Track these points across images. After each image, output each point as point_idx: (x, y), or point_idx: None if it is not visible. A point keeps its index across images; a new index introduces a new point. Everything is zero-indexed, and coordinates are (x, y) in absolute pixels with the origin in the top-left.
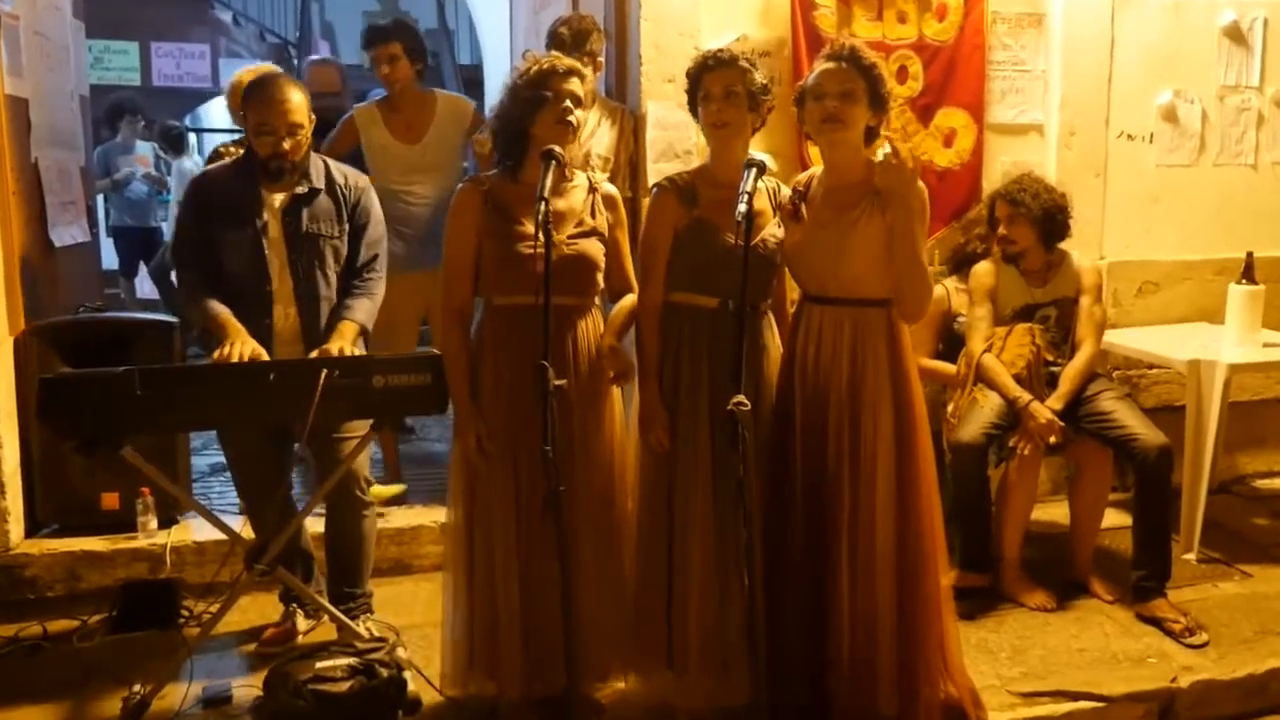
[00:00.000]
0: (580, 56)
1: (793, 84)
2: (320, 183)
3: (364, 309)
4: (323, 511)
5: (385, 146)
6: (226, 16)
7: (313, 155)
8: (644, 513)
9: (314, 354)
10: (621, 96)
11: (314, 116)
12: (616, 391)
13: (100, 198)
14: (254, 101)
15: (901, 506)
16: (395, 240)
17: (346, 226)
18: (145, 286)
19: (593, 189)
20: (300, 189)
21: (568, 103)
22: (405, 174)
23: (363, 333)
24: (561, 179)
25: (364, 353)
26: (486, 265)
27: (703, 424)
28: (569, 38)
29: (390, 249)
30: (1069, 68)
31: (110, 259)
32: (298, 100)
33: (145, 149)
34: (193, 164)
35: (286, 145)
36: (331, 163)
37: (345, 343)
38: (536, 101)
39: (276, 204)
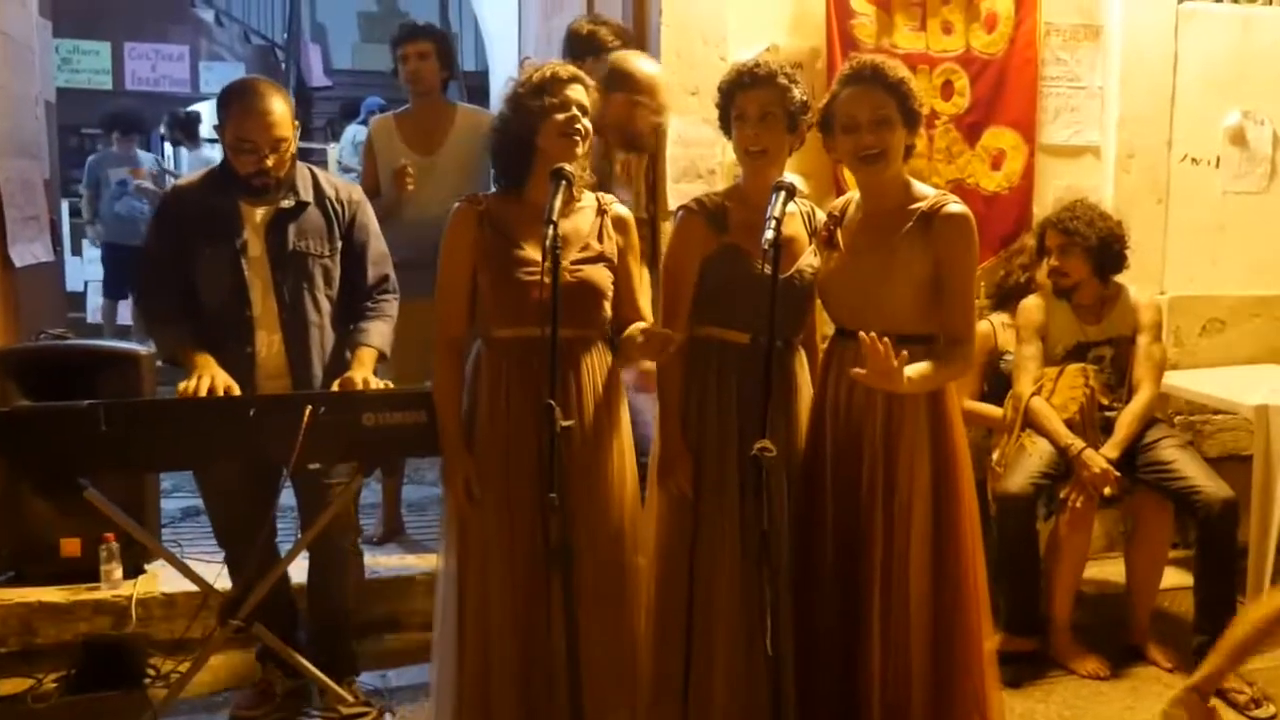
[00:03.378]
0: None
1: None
2: (308, 195)
3: (380, 333)
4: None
5: (400, 156)
6: (208, 15)
7: (300, 166)
8: (662, 566)
9: (335, 385)
10: None
11: (297, 123)
12: (626, 435)
13: (81, 213)
14: (232, 113)
15: (939, 562)
16: (403, 264)
17: (339, 244)
18: (125, 311)
19: (602, 210)
20: (286, 202)
21: (575, 111)
22: (417, 188)
23: (380, 358)
24: (569, 200)
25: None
26: (484, 293)
27: (731, 471)
28: (587, 42)
29: (399, 274)
30: (1128, 85)
31: (75, 281)
32: (281, 111)
33: (147, 159)
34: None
35: (270, 162)
36: (320, 173)
37: (368, 372)
38: (541, 111)
39: (258, 219)
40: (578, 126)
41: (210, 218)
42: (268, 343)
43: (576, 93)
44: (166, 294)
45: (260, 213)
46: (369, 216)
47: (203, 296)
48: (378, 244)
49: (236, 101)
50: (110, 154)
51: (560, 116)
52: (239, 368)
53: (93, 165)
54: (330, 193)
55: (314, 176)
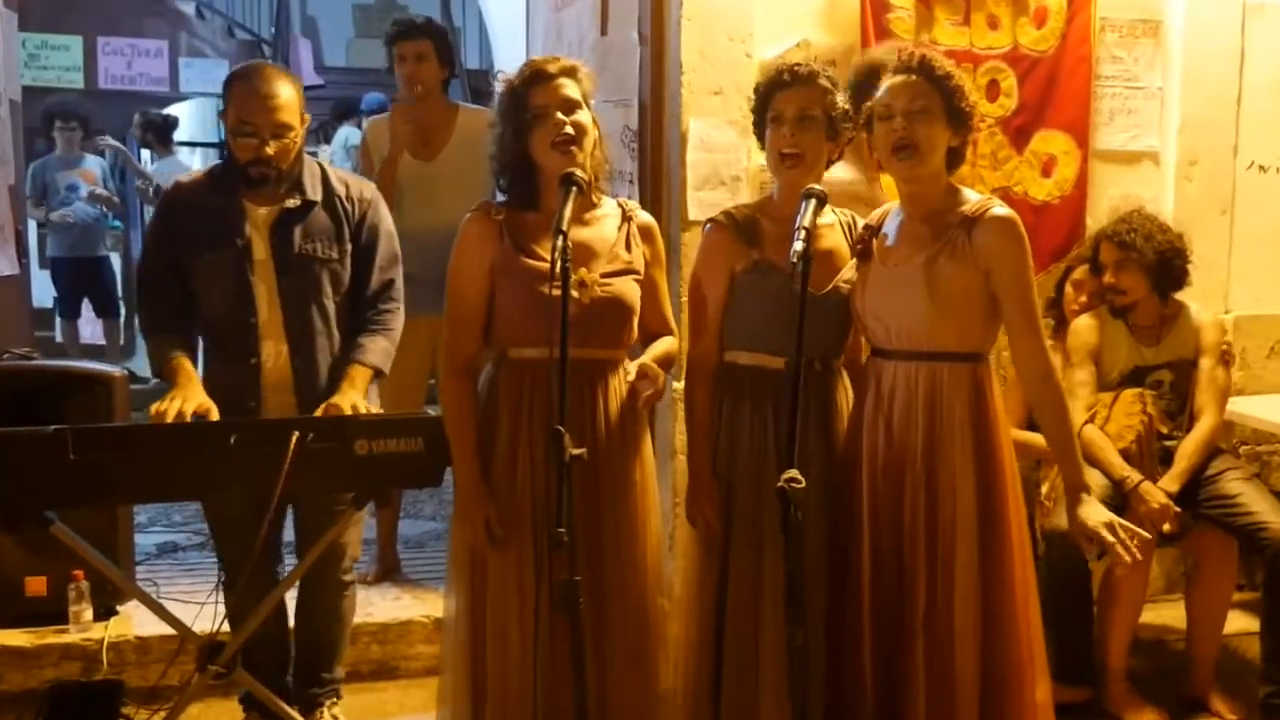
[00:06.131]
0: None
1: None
2: (316, 194)
3: (378, 349)
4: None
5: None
6: (189, 8)
7: (307, 161)
8: (690, 609)
9: (320, 410)
10: (658, 111)
11: (307, 115)
12: (650, 464)
13: (33, 223)
14: (234, 95)
15: (987, 605)
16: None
17: (349, 247)
18: (88, 329)
19: (627, 218)
20: (292, 201)
21: (559, 115)
22: (416, 195)
23: (377, 377)
24: (588, 206)
25: (375, 404)
26: (501, 311)
27: (769, 508)
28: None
29: None
30: (1190, 85)
31: (43, 295)
32: (287, 95)
33: (93, 164)
34: (183, 168)
35: (270, 150)
36: (331, 170)
37: (358, 394)
38: (526, 125)
39: (262, 219)
40: (566, 133)
41: (211, 217)
42: (274, 352)
43: (559, 91)
44: (162, 302)
45: (264, 212)
46: (381, 215)
47: (203, 303)
48: (388, 245)
49: (240, 82)
50: (54, 158)
51: (544, 126)
52: (243, 380)
53: (37, 170)
54: (340, 190)
55: (324, 174)
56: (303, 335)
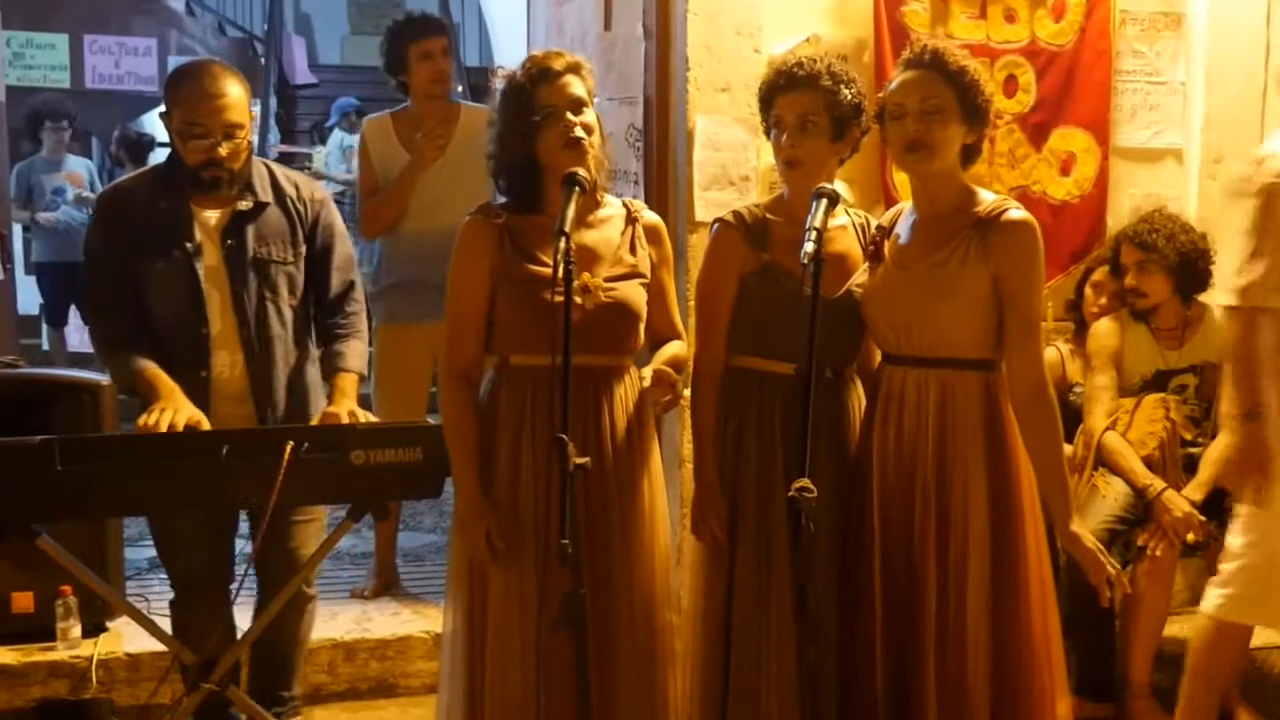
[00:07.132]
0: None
1: (875, 94)
2: (267, 195)
3: (357, 353)
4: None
5: (400, 161)
6: (178, 5)
7: (255, 161)
8: (698, 624)
9: (315, 419)
10: (664, 108)
11: (254, 113)
12: (658, 474)
13: (19, 227)
14: (180, 95)
15: (1001, 619)
16: (402, 284)
17: (303, 249)
18: (75, 337)
19: (632, 218)
20: (243, 204)
21: (569, 115)
22: (418, 197)
23: (359, 381)
24: (591, 207)
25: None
26: (502, 317)
27: (778, 521)
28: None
29: (396, 294)
30: (1214, 80)
31: (29, 302)
32: (236, 94)
33: (79, 165)
34: None
35: (222, 151)
36: (278, 169)
37: (351, 403)
38: (534, 125)
39: (212, 222)
40: (578, 134)
41: (158, 221)
42: (230, 363)
43: (567, 89)
44: (117, 313)
45: (214, 215)
46: (334, 216)
47: (153, 311)
48: (344, 246)
49: (186, 82)
50: (40, 159)
51: (554, 127)
52: (193, 394)
53: (22, 172)
54: (290, 191)
55: (271, 173)
56: (260, 343)
